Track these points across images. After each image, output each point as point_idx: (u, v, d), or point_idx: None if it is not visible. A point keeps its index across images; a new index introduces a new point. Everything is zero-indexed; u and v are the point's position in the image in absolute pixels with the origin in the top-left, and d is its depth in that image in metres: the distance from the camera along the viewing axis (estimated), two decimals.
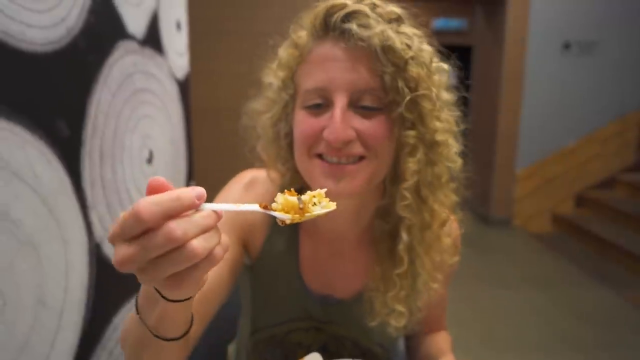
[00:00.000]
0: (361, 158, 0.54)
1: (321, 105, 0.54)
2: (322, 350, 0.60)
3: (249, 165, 0.73)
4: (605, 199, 4.01)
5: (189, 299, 0.41)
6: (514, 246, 3.83)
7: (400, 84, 0.52)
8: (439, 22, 6.33)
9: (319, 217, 0.60)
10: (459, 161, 0.60)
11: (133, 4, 1.15)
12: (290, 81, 0.59)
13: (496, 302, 2.73)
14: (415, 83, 0.52)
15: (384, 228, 0.62)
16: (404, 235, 0.58)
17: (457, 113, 0.60)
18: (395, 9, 0.56)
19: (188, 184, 1.62)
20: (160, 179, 0.36)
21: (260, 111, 0.65)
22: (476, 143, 4.75)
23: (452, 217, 0.65)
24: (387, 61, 0.51)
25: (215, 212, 0.35)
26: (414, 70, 0.52)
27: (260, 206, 0.38)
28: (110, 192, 1.05)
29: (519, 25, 3.91)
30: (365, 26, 0.51)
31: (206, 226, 0.34)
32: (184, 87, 1.52)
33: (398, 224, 0.59)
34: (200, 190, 0.34)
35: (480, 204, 4.46)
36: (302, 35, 0.58)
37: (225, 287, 0.63)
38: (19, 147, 0.73)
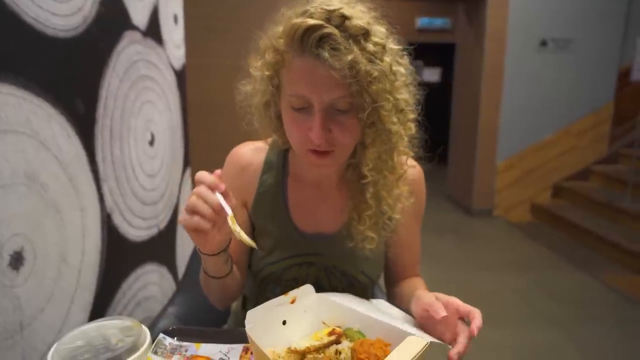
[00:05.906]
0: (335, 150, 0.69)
1: (304, 108, 0.68)
2: (315, 287, 0.71)
3: None
4: (580, 189, 4.19)
5: (216, 254, 0.66)
6: (495, 234, 3.98)
7: (365, 96, 0.65)
8: (423, 21, 6.47)
9: (305, 167, 0.76)
10: (413, 130, 0.73)
11: None
12: (275, 76, 0.71)
13: (478, 284, 2.87)
14: (376, 96, 0.65)
15: (354, 177, 0.79)
16: (370, 188, 0.76)
17: (414, 101, 0.72)
18: (363, 23, 0.64)
19: (184, 169, 1.72)
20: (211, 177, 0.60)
21: (252, 94, 0.77)
22: (458, 137, 4.94)
23: (413, 164, 0.80)
24: (353, 79, 0.63)
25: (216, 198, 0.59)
26: (375, 87, 0.64)
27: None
28: (119, 168, 1.14)
29: (498, 23, 4.08)
30: (337, 51, 0.61)
31: (202, 197, 0.58)
32: (181, 76, 1.62)
33: (365, 177, 0.75)
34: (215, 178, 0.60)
35: (463, 196, 4.61)
36: (280, 41, 0.67)
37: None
38: (45, 120, 0.83)
